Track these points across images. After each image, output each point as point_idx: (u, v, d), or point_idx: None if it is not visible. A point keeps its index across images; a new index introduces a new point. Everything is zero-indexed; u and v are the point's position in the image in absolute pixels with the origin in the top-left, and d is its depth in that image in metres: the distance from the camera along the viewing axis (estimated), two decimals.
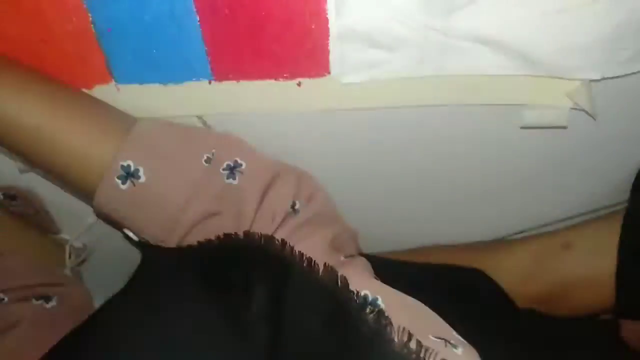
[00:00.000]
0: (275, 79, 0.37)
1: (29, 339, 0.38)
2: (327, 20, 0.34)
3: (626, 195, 0.42)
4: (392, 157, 0.42)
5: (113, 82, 0.38)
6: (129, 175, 0.34)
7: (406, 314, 0.31)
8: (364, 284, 0.32)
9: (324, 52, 0.36)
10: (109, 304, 0.36)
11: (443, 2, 0.32)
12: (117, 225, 0.37)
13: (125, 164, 0.34)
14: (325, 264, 0.33)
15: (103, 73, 0.38)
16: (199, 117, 0.39)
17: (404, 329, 0.29)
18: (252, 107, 0.39)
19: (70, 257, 0.47)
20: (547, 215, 0.46)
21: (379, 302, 0.31)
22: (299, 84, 0.37)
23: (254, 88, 0.38)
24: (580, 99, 0.35)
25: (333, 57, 0.36)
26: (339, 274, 0.32)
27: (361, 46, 0.35)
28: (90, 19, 0.35)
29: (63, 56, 0.37)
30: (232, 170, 0.36)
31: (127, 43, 0.36)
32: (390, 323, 0.29)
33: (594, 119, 0.37)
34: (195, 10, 0.34)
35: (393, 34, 0.34)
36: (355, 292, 0.31)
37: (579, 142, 0.40)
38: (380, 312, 0.30)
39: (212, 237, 0.35)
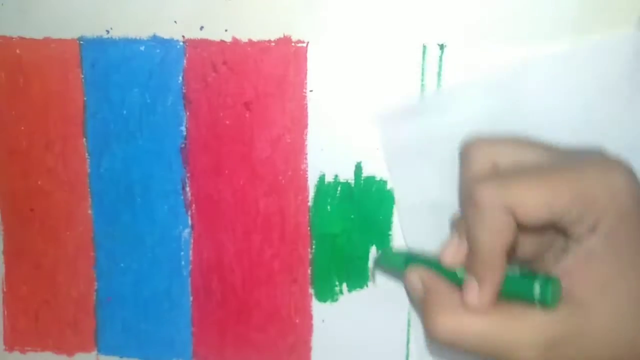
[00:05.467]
0: None
1: None
2: (311, 316, 0.35)
3: None
4: None
5: (95, 352, 0.38)
6: None
7: None
8: None
9: (306, 348, 0.35)
10: None
11: None
12: None
13: None
14: None
15: (89, 341, 0.38)
16: None
17: None
18: None
19: None
20: None
21: None
22: None
23: None
24: None
25: (315, 354, 0.35)
26: None
27: None
28: (96, 287, 0.37)
29: (59, 319, 0.38)
30: None
31: (120, 314, 0.37)
32: None
33: None
34: (190, 291, 0.36)
35: None
36: None
37: None
38: None
39: None
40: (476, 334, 0.23)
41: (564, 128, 0.30)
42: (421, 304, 0.25)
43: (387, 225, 0.34)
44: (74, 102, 0.36)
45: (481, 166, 0.25)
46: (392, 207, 0.33)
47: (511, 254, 0.24)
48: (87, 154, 0.36)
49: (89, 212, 0.37)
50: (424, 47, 0.32)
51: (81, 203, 0.37)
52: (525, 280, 0.23)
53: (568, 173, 0.22)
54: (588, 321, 0.22)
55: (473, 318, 0.23)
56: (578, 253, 0.23)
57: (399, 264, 0.29)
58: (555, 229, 0.24)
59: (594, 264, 0.22)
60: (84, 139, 0.36)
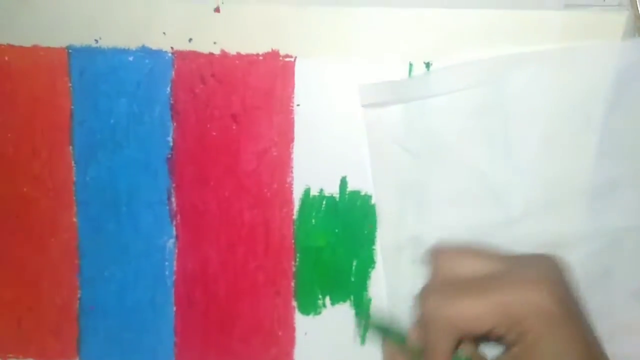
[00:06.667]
0: None
1: None
2: (294, 328, 0.35)
3: None
4: None
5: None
6: None
7: None
8: None
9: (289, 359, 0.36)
10: None
11: None
12: None
13: None
14: None
15: (71, 349, 0.38)
16: None
17: None
18: None
19: None
20: None
21: None
22: None
23: None
24: None
25: None
26: None
27: None
28: (79, 295, 0.37)
29: (41, 326, 0.38)
30: None
31: (103, 323, 0.37)
32: None
33: None
34: (174, 301, 0.36)
35: None
36: None
37: None
38: None
39: None
40: None
41: (541, 128, 0.31)
42: None
43: (371, 239, 0.34)
44: (61, 110, 0.36)
45: (437, 274, 0.29)
46: (376, 222, 0.34)
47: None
48: (73, 162, 0.36)
49: (74, 220, 0.37)
50: (410, 64, 0.32)
51: (66, 211, 0.37)
52: None
53: (497, 295, 0.26)
54: None
55: None
56: (510, 356, 0.27)
57: (379, 333, 0.33)
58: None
59: None
60: (71, 147, 0.36)
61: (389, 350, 0.31)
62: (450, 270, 0.29)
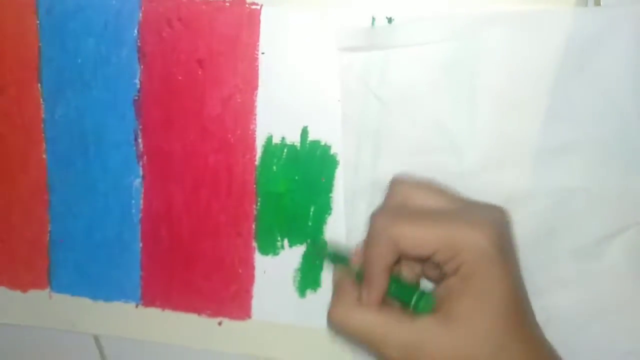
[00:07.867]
0: (198, 314, 0.39)
1: None
2: (253, 267, 0.37)
3: None
4: None
5: (48, 289, 0.40)
6: None
7: None
8: None
9: (248, 296, 0.38)
10: None
11: None
12: None
13: None
14: None
15: (42, 279, 0.40)
16: (96, 337, 0.41)
17: None
18: (173, 338, 0.39)
19: None
20: None
21: None
22: (219, 323, 0.39)
23: (177, 319, 0.39)
24: None
25: (256, 302, 0.38)
26: None
27: None
28: (49, 229, 0.39)
29: (13, 257, 0.40)
30: None
31: (72, 256, 0.39)
32: None
33: None
34: (140, 237, 0.38)
35: None
36: None
37: None
38: None
39: None
40: (356, 327, 0.29)
41: (502, 88, 0.32)
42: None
43: (328, 187, 0.35)
44: (30, 48, 0.36)
45: (393, 200, 0.31)
46: (334, 171, 0.35)
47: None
48: (42, 100, 0.37)
49: (44, 156, 0.38)
50: (373, 18, 0.32)
51: (35, 147, 0.37)
52: (409, 288, 0.29)
53: (444, 226, 0.27)
54: (442, 336, 0.27)
55: (358, 313, 0.29)
56: (445, 284, 0.28)
57: (323, 258, 0.35)
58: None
59: (452, 296, 0.28)
60: (39, 85, 0.36)
61: (338, 273, 0.32)
62: (405, 200, 0.30)
